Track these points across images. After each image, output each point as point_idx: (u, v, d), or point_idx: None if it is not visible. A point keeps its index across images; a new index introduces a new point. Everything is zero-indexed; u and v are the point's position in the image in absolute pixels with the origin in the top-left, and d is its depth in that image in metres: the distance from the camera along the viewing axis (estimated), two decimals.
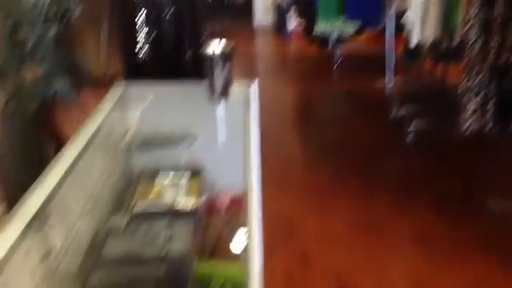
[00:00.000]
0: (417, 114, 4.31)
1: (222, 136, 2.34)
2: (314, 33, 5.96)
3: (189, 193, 1.96)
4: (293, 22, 7.97)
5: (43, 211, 1.38)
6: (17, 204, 1.29)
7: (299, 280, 2.83)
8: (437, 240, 3.10)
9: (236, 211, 2.12)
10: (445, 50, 4.26)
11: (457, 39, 3.69)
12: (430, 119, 4.21)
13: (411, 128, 4.18)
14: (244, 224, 2.11)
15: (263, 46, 8.50)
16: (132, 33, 2.34)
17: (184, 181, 2.02)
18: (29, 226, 1.30)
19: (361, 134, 4.61)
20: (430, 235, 3.14)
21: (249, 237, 1.40)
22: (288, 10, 7.83)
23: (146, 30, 2.34)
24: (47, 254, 1.43)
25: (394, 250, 3.06)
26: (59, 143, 2.40)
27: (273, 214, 2.99)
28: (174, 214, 1.77)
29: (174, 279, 1.52)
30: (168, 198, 1.89)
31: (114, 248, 1.59)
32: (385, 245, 3.09)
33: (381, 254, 3.03)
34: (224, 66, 2.09)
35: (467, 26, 3.26)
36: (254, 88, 2.22)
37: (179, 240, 1.63)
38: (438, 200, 3.49)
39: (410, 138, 4.19)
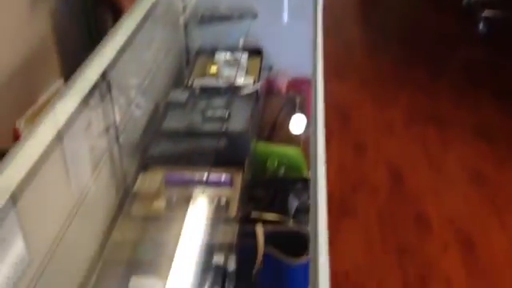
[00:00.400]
0: (489, 2, 4.02)
1: (284, 16, 2.25)
2: None
3: (248, 72, 1.91)
4: None
5: (101, 83, 1.37)
6: (74, 74, 1.28)
7: (353, 169, 2.83)
8: (498, 135, 3.00)
9: (295, 93, 2.08)
10: None
11: None
12: (503, 9, 3.93)
13: (482, 16, 3.92)
14: (303, 106, 2.07)
15: None
16: None
17: (243, 60, 1.97)
18: (87, 97, 1.29)
19: (428, 22, 4.36)
20: (492, 129, 3.04)
21: (314, 123, 1.36)
22: None
23: None
24: (107, 126, 1.44)
25: (453, 142, 2.99)
26: (117, 15, 2.35)
27: (329, 102, 2.93)
28: (233, 92, 1.74)
29: (232, 154, 1.52)
30: (227, 75, 1.85)
31: (174, 121, 1.59)
32: (444, 137, 3.02)
33: (439, 146, 2.97)
34: None
35: None
36: None
37: (238, 117, 1.61)
38: (502, 95, 3.34)
39: (480, 27, 3.94)
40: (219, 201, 1.40)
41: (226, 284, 1.21)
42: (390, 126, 3.12)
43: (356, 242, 2.38)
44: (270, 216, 1.58)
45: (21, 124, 2.02)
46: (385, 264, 2.28)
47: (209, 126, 1.57)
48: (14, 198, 1.00)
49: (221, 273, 1.21)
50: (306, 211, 1.68)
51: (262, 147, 1.83)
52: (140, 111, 1.65)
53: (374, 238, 2.41)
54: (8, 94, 1.70)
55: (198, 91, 1.74)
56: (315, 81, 1.46)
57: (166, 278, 1.17)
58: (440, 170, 2.79)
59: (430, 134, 3.04)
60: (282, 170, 1.79)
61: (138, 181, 1.48)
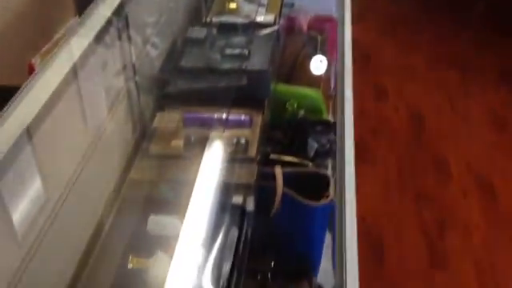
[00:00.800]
0: None
1: None
2: None
3: (269, 9, 1.84)
4: None
5: (118, 19, 1.32)
6: (88, 9, 1.23)
7: (373, 114, 2.79)
8: None
9: (316, 32, 2.01)
10: None
11: None
12: None
13: None
14: (323, 45, 2.01)
15: None
16: None
17: None
18: (103, 33, 1.24)
19: None
20: None
21: (341, 64, 1.32)
22: None
23: None
24: (124, 64, 1.40)
25: (476, 87, 2.92)
26: None
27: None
28: (253, 29, 1.68)
29: (252, 94, 1.48)
30: (247, 12, 1.79)
31: (192, 59, 1.54)
32: (467, 82, 2.95)
33: (461, 91, 2.91)
34: None
35: None
36: None
37: (258, 55, 1.56)
38: None
39: None
40: (238, 141, 1.37)
41: (245, 223, 1.20)
42: (412, 71, 3.05)
43: (374, 187, 2.37)
44: (289, 158, 1.56)
45: (36, 60, 2.00)
46: (403, 210, 2.27)
47: (228, 65, 1.52)
48: (30, 133, 0.98)
49: (239, 212, 1.20)
50: (325, 154, 1.65)
51: (282, 88, 1.79)
52: (157, 48, 1.61)
53: (392, 183, 2.39)
54: (23, 31, 1.67)
55: (216, 28, 1.68)
56: (342, 20, 1.41)
57: (184, 217, 1.16)
58: (462, 115, 2.74)
59: (452, 78, 2.97)
60: (301, 113, 1.75)
61: (156, 120, 1.45)
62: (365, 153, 2.52)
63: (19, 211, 0.95)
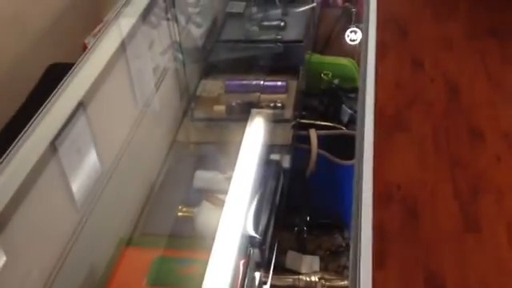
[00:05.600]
0: None
1: None
2: None
3: None
4: None
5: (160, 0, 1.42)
6: None
7: (409, 84, 2.84)
8: None
9: (351, 4, 2.08)
10: None
11: None
12: None
13: None
14: (359, 18, 2.08)
15: None
16: None
17: None
18: (147, 13, 1.35)
19: None
20: None
21: (364, 37, 1.38)
22: None
23: None
24: (169, 41, 1.51)
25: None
26: None
27: (387, 15, 2.89)
28: (290, 3, 1.77)
29: (287, 62, 1.58)
30: None
31: (232, 31, 1.65)
32: (504, 51, 2.96)
33: (498, 60, 2.92)
34: None
35: None
36: None
37: (294, 27, 1.66)
38: None
39: None
40: (275, 105, 1.47)
41: (281, 178, 1.30)
42: (449, 40, 3.07)
43: (409, 156, 2.44)
44: (324, 123, 1.65)
45: (89, 40, 2.14)
46: (437, 177, 2.33)
47: (265, 35, 1.63)
48: (84, 106, 1.08)
49: (277, 168, 1.30)
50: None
51: (317, 59, 1.88)
52: (200, 23, 1.72)
53: (427, 151, 2.45)
54: (78, 16, 1.81)
55: (254, 2, 1.78)
56: None
57: (226, 173, 1.27)
58: (498, 84, 2.76)
59: (489, 48, 2.98)
60: (336, 81, 1.83)
61: (200, 87, 1.57)
62: (400, 123, 2.59)
63: (76, 184, 1.06)
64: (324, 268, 1.37)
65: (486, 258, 2.00)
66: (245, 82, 1.56)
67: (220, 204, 1.16)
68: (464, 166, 2.35)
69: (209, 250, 1.00)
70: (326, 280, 1.17)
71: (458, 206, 2.20)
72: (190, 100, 1.57)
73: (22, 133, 0.92)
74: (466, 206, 2.19)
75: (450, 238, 2.09)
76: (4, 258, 0.85)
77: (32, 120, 0.94)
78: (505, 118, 2.56)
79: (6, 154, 0.88)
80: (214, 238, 1.04)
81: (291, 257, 1.37)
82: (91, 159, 1.12)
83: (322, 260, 1.39)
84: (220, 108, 1.48)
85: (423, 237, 2.10)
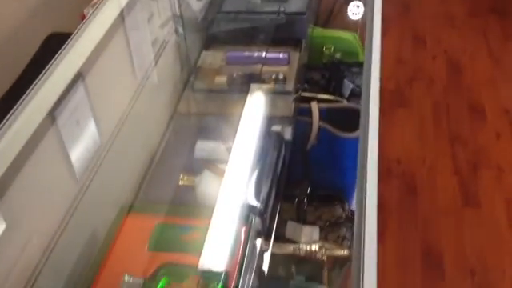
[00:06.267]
0: None
1: None
2: None
3: None
4: None
5: None
6: None
7: (410, 61, 2.83)
8: None
9: None
10: None
11: None
12: None
13: None
14: None
15: None
16: None
17: None
18: None
19: None
20: None
21: (370, 10, 1.37)
22: None
23: None
24: (170, 13, 1.50)
25: None
26: None
27: None
28: None
29: (289, 34, 1.57)
30: None
31: (234, 2, 1.64)
32: (506, 29, 2.94)
33: (500, 37, 2.90)
34: None
35: None
36: None
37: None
38: None
39: None
40: (277, 77, 1.47)
41: (283, 150, 1.31)
42: (451, 17, 3.06)
43: (409, 131, 2.44)
44: (325, 96, 1.65)
45: (88, 10, 2.12)
46: (436, 152, 2.34)
47: (267, 7, 1.61)
48: (82, 76, 1.08)
49: (279, 139, 1.30)
50: (360, 94, 1.74)
51: (319, 32, 1.86)
52: None
53: (427, 127, 2.46)
54: None
55: None
56: None
57: (227, 143, 1.27)
58: (499, 61, 2.75)
59: (491, 25, 2.96)
60: (338, 55, 1.82)
61: (201, 59, 1.56)
62: (401, 98, 2.59)
63: (75, 156, 1.05)
64: (324, 238, 1.38)
65: (484, 234, 2.01)
66: (246, 54, 1.55)
67: (221, 173, 1.16)
68: (464, 142, 2.36)
69: (210, 217, 1.00)
70: (326, 249, 1.17)
71: (457, 181, 2.21)
72: (190, 71, 1.57)
73: (20, 101, 0.91)
74: (465, 182, 2.20)
75: (449, 213, 2.10)
76: (3, 226, 0.86)
77: (30, 89, 0.94)
78: (505, 94, 2.56)
79: (3, 122, 0.87)
80: (215, 206, 1.04)
81: (291, 227, 1.38)
82: (90, 130, 1.12)
83: (321, 231, 1.40)
84: (221, 79, 1.47)
85: (421, 212, 2.11)
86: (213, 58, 1.55)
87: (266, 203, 1.18)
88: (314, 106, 1.50)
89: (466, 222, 2.07)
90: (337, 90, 1.76)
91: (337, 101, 1.65)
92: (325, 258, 1.20)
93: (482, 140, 2.35)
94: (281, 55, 1.54)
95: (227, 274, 0.92)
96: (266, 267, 1.06)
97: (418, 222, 2.08)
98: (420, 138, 2.41)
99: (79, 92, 1.07)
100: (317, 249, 1.19)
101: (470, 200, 2.14)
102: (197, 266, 0.89)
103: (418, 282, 1.87)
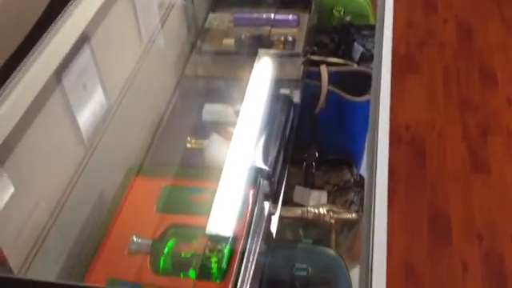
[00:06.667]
0: None
1: None
2: None
3: None
4: None
5: None
6: None
7: (421, 25, 2.78)
8: None
9: None
10: None
11: None
12: None
13: None
14: None
15: None
16: None
17: None
18: None
19: None
20: None
21: None
22: None
23: None
24: None
25: None
26: None
27: None
28: None
29: None
30: None
31: None
32: None
33: (510, 4, 2.84)
34: None
35: None
36: None
37: None
38: None
39: None
40: (286, 38, 1.44)
41: (291, 113, 1.29)
42: None
43: (419, 97, 2.41)
44: (335, 59, 1.62)
45: None
46: (446, 118, 2.31)
47: None
48: (88, 38, 1.06)
49: (287, 102, 1.29)
50: (370, 57, 1.71)
51: None
52: None
53: (437, 92, 2.43)
54: None
55: None
56: None
57: (235, 106, 1.26)
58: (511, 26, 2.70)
59: None
60: (348, 18, 1.79)
61: (208, 20, 1.53)
62: (411, 63, 2.55)
63: (83, 120, 1.04)
64: (331, 203, 1.37)
65: (492, 199, 2.01)
66: (254, 16, 1.52)
67: (229, 136, 1.15)
68: (474, 107, 2.33)
69: (218, 179, 1.00)
70: (334, 212, 1.17)
71: (467, 147, 2.19)
72: (197, 33, 1.54)
73: (25, 60, 0.90)
74: (474, 148, 2.18)
75: (457, 179, 2.09)
76: (12, 190, 0.85)
77: (35, 48, 0.92)
78: None
79: (9, 81, 0.86)
80: (223, 169, 1.03)
81: (299, 191, 1.38)
82: (97, 93, 1.11)
83: (329, 195, 1.40)
84: (229, 41, 1.45)
85: (430, 177, 2.10)
86: (220, 19, 1.52)
87: (274, 166, 1.17)
88: (324, 69, 1.48)
89: (474, 187, 2.06)
90: (346, 54, 1.74)
91: (346, 64, 1.62)
92: (333, 221, 1.20)
93: (492, 105, 2.33)
94: (290, 17, 1.51)
95: (235, 237, 0.92)
96: (273, 230, 1.06)
97: (427, 188, 2.07)
98: (430, 103, 2.38)
99: (85, 55, 1.05)
100: (325, 212, 1.19)
101: (479, 166, 2.12)
102: (205, 227, 0.89)
103: (425, 246, 1.87)
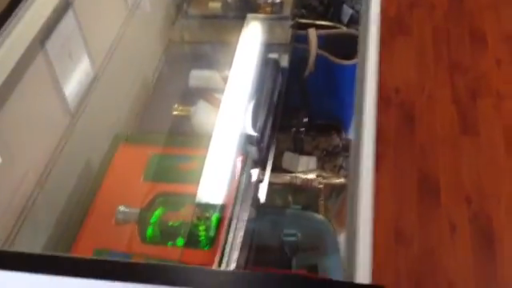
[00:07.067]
0: None
1: None
2: None
3: None
4: None
5: None
6: None
7: None
8: None
9: None
10: None
11: None
12: None
13: None
14: None
15: None
16: None
17: None
18: None
19: None
20: None
21: None
22: None
23: None
24: None
25: None
26: None
27: None
28: None
29: None
30: None
31: None
32: None
33: None
34: None
35: None
36: None
37: None
38: None
39: None
40: (273, 1, 1.41)
41: (280, 78, 1.27)
42: None
43: (409, 59, 2.39)
44: (324, 22, 1.60)
45: None
46: (436, 81, 2.30)
47: None
48: (72, 4, 1.03)
49: (275, 67, 1.27)
50: (359, 20, 1.68)
51: None
52: None
53: (427, 54, 2.41)
54: None
55: None
56: None
57: (223, 72, 1.24)
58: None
59: None
60: None
61: None
62: (401, 25, 2.52)
63: (69, 89, 1.03)
64: (320, 168, 1.37)
65: (481, 162, 2.02)
66: None
67: (217, 103, 1.14)
68: (464, 69, 2.32)
69: (206, 147, 0.99)
70: (323, 177, 1.17)
71: (456, 109, 2.19)
72: None
73: (4, 26, 0.87)
74: (463, 110, 2.18)
75: (446, 141, 2.09)
76: None
77: (14, 13, 0.89)
78: (507, 20, 2.49)
79: None
80: (211, 136, 1.02)
81: (288, 157, 1.37)
82: (82, 61, 1.09)
83: (318, 160, 1.39)
84: (215, 4, 1.41)
85: (419, 140, 2.10)
86: None
87: (262, 133, 1.16)
88: (312, 32, 1.46)
89: (463, 149, 2.06)
90: (335, 16, 1.71)
91: (335, 27, 1.60)
92: (321, 186, 1.20)
93: (482, 67, 2.31)
94: None
95: (223, 204, 0.92)
96: (262, 196, 1.06)
97: (416, 151, 2.07)
98: (419, 66, 2.37)
99: (69, 21, 1.03)
100: (314, 177, 1.18)
101: (468, 128, 2.12)
102: (193, 195, 0.89)
103: (413, 208, 1.89)
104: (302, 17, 1.58)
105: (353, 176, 0.84)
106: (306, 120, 1.47)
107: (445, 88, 2.27)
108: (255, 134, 1.13)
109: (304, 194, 1.22)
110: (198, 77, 1.28)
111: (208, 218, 0.88)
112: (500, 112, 2.15)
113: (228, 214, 0.90)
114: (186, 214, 0.89)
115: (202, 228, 0.88)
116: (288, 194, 1.23)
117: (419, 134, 2.12)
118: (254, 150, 1.11)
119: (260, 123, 1.17)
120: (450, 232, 1.82)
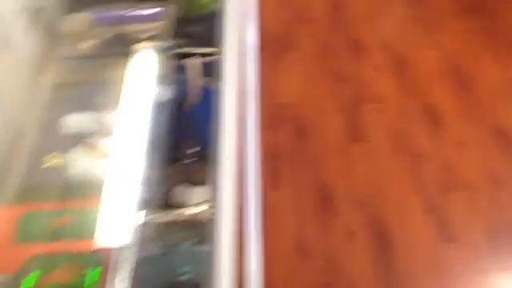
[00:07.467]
0: None
1: None
2: None
3: None
4: None
5: None
6: None
7: (291, 2, 2.82)
8: None
9: None
10: None
11: None
12: None
13: None
14: None
15: None
16: None
17: None
18: None
19: None
20: None
21: None
22: None
23: None
24: None
25: None
26: None
27: None
28: None
29: None
30: None
31: None
32: None
33: None
34: None
35: None
36: None
37: None
38: None
39: None
40: (150, 35, 1.40)
41: (163, 111, 1.26)
42: None
43: (297, 75, 2.47)
44: (205, 50, 1.60)
45: None
46: (323, 92, 2.38)
47: None
48: None
49: (155, 101, 1.25)
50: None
51: None
52: None
53: (313, 68, 2.49)
54: None
55: None
56: None
57: (99, 113, 1.21)
58: None
59: None
60: (215, 5, 1.77)
61: (64, 24, 1.45)
62: (288, 42, 2.59)
63: None
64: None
65: (371, 165, 2.10)
66: (114, 14, 1.45)
67: (94, 147, 1.11)
68: (348, 79, 2.42)
69: (85, 197, 0.95)
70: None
71: (344, 118, 2.27)
72: (53, 39, 1.45)
73: None
74: (351, 118, 2.27)
75: (337, 150, 2.16)
76: None
77: None
78: (383, 29, 2.64)
79: None
80: (90, 183, 0.99)
81: (179, 191, 1.35)
82: None
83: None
84: (87, 44, 1.38)
85: (313, 152, 2.16)
86: (77, 21, 1.44)
87: (149, 171, 1.15)
88: (189, 62, 1.45)
89: (356, 157, 2.14)
90: (217, 42, 1.72)
91: (218, 54, 1.60)
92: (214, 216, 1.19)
93: (364, 76, 2.42)
94: (151, 11, 1.47)
95: (106, 254, 0.89)
96: (150, 238, 1.04)
97: (310, 163, 2.13)
98: (307, 80, 2.44)
99: None
100: (206, 208, 1.17)
101: (357, 135, 2.21)
102: (70, 252, 0.85)
103: (312, 220, 1.92)
104: (183, 46, 1.58)
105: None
106: (197, 150, 1.46)
107: (332, 98, 2.35)
108: (141, 173, 1.11)
109: (197, 228, 1.21)
110: (72, 122, 1.23)
111: (90, 272, 0.85)
112: (383, 117, 2.26)
113: (111, 265, 0.87)
114: (64, 273, 0.85)
115: (86, 284, 0.85)
116: (181, 229, 1.21)
117: (313, 147, 2.18)
118: (140, 189, 1.09)
119: (145, 161, 1.15)
120: (349, 239, 1.88)
